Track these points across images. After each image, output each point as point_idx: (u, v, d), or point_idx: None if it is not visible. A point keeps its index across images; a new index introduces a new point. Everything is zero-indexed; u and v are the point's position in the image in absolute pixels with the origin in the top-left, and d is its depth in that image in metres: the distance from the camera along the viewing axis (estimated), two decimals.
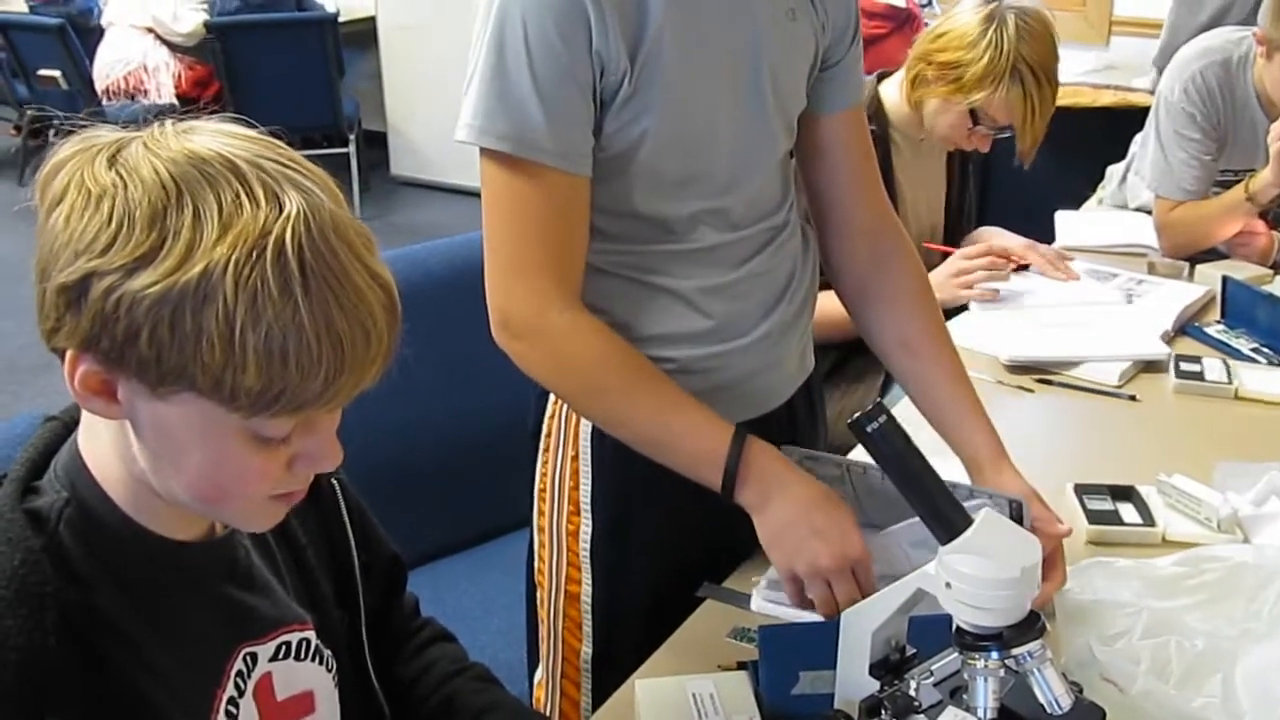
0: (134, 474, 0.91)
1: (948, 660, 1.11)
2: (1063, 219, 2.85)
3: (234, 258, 0.78)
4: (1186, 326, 2.29)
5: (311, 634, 1.07)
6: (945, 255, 2.43)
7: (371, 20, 6.41)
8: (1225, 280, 2.34)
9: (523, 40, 1.24)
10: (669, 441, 1.37)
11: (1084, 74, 4.16)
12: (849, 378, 2.35)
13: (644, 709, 1.23)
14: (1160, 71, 3.78)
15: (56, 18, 5.70)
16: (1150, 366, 2.12)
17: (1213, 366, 2.08)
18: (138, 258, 0.78)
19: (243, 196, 0.80)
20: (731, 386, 1.47)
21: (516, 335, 1.36)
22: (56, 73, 5.79)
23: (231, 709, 0.97)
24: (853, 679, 1.14)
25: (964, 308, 2.38)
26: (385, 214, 6.15)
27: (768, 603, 1.44)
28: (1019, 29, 2.13)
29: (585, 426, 1.48)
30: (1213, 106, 2.55)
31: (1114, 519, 1.62)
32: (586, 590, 1.53)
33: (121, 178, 0.80)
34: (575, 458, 1.49)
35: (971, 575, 1.01)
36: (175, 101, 6.09)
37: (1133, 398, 2.02)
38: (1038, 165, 2.29)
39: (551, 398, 1.51)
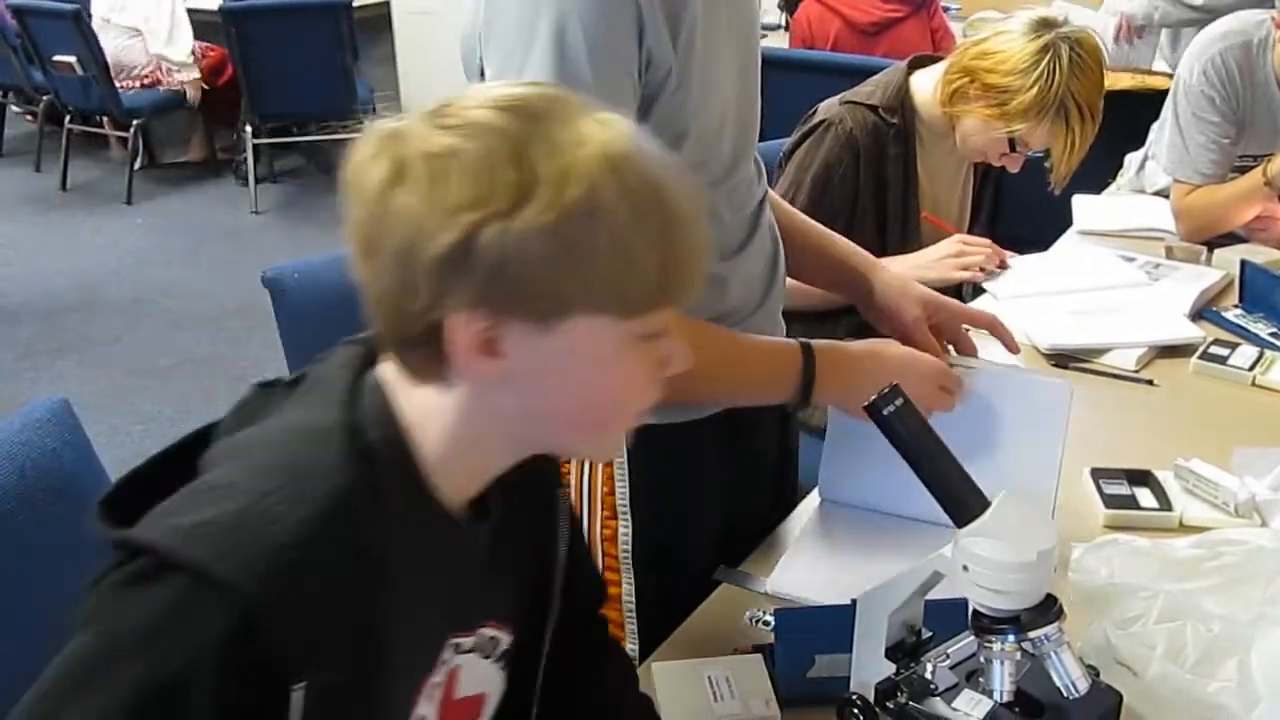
0: (467, 431, 0.91)
1: (964, 643, 1.11)
2: (1080, 203, 2.83)
3: (602, 169, 0.83)
4: (1204, 311, 2.28)
5: (508, 636, 1.06)
6: (947, 234, 2.43)
7: (385, 5, 6.41)
8: (1243, 264, 2.33)
9: (583, 42, 1.23)
10: (746, 361, 1.45)
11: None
12: None
13: (660, 693, 1.24)
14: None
15: (72, 3, 5.71)
16: (1168, 351, 2.11)
17: (1244, 354, 2.07)
18: (516, 197, 0.82)
19: (576, 121, 0.85)
20: None
21: None
22: (72, 58, 5.80)
23: (431, 693, 0.97)
24: (869, 662, 1.14)
25: (961, 297, 2.37)
26: None
27: (784, 586, 1.44)
28: (1072, 62, 2.07)
29: None
30: (1232, 89, 2.53)
31: (1131, 504, 1.62)
32: (628, 590, 1.54)
33: (461, 132, 0.83)
34: (609, 463, 1.50)
35: (988, 558, 1.01)
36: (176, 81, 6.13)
37: (1150, 382, 2.01)
38: None
39: None
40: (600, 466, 1.51)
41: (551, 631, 1.12)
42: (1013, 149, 2.18)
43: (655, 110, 1.31)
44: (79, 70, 5.82)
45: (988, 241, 2.39)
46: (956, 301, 1.63)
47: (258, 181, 6.02)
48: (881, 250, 2.29)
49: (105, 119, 6.49)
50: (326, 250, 1.85)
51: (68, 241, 5.57)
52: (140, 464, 0.92)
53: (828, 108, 2.24)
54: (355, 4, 5.89)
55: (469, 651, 1.03)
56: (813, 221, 1.74)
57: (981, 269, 2.35)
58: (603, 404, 0.93)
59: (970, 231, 2.51)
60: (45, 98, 6.44)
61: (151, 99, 6.09)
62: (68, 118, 6.23)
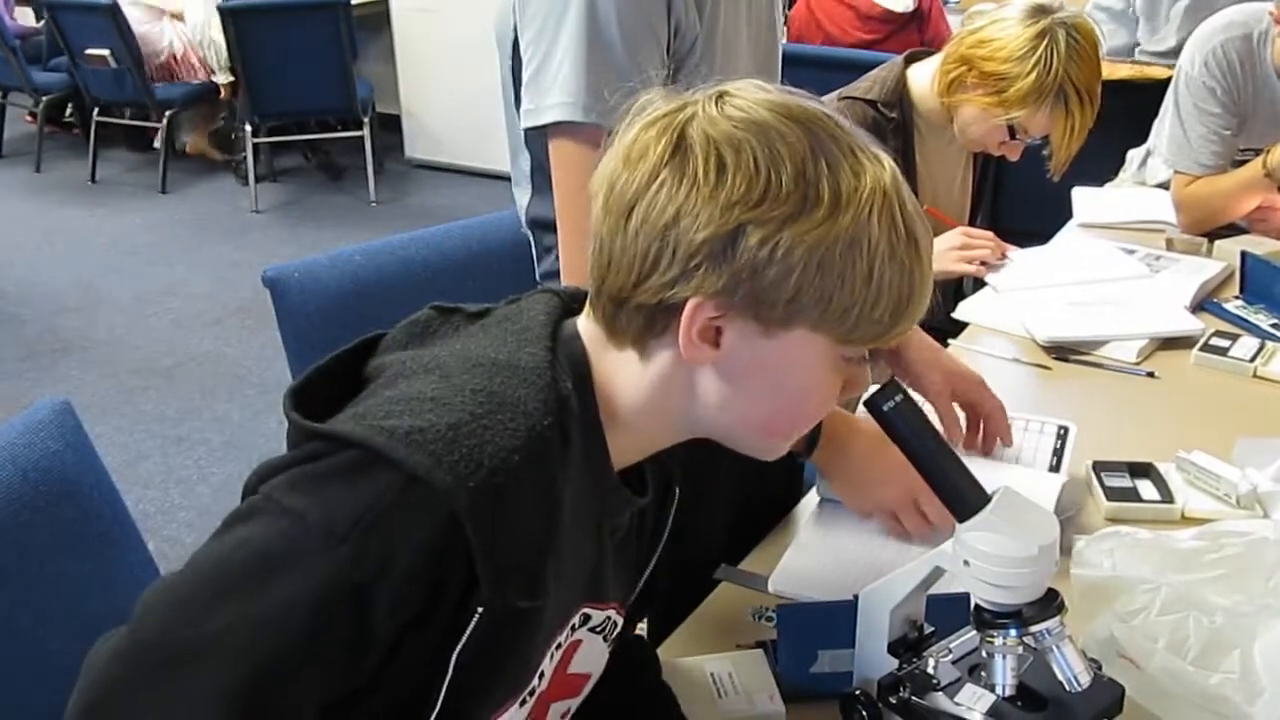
0: (658, 406, 0.94)
1: (966, 638, 1.12)
2: (1080, 195, 2.83)
3: (874, 204, 0.87)
4: (1205, 302, 2.28)
5: (620, 618, 1.08)
6: (948, 227, 2.43)
7: (384, 3, 6.40)
8: (1244, 255, 2.32)
9: (614, 11, 1.24)
10: None
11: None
12: None
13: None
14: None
15: None
16: (1168, 343, 2.11)
17: (1244, 345, 2.06)
18: (792, 207, 0.85)
19: (856, 152, 0.89)
20: None
21: None
22: (105, 51, 5.81)
23: (554, 653, 0.99)
24: (871, 657, 1.15)
25: (961, 289, 2.38)
26: (400, 197, 6.15)
27: (786, 585, 1.44)
28: (1069, 47, 2.08)
29: None
30: (1233, 81, 2.53)
31: (1132, 496, 1.62)
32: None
33: (749, 130, 0.87)
34: None
35: (990, 553, 1.02)
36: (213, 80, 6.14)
37: (1151, 374, 2.01)
38: None
39: None
40: None
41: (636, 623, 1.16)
42: (1012, 136, 2.18)
43: (678, 80, 1.31)
44: (113, 63, 5.84)
45: (990, 234, 2.39)
46: (980, 379, 1.63)
47: (257, 180, 6.02)
48: None
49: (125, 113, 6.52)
50: (327, 249, 1.85)
51: (69, 241, 5.58)
52: (325, 360, 0.94)
53: (824, 104, 2.23)
54: (354, 2, 5.88)
55: (594, 630, 1.04)
56: None
57: (984, 262, 2.35)
58: (794, 412, 0.97)
59: (971, 224, 2.51)
60: (45, 98, 6.45)
61: (184, 91, 6.12)
62: (95, 111, 6.24)
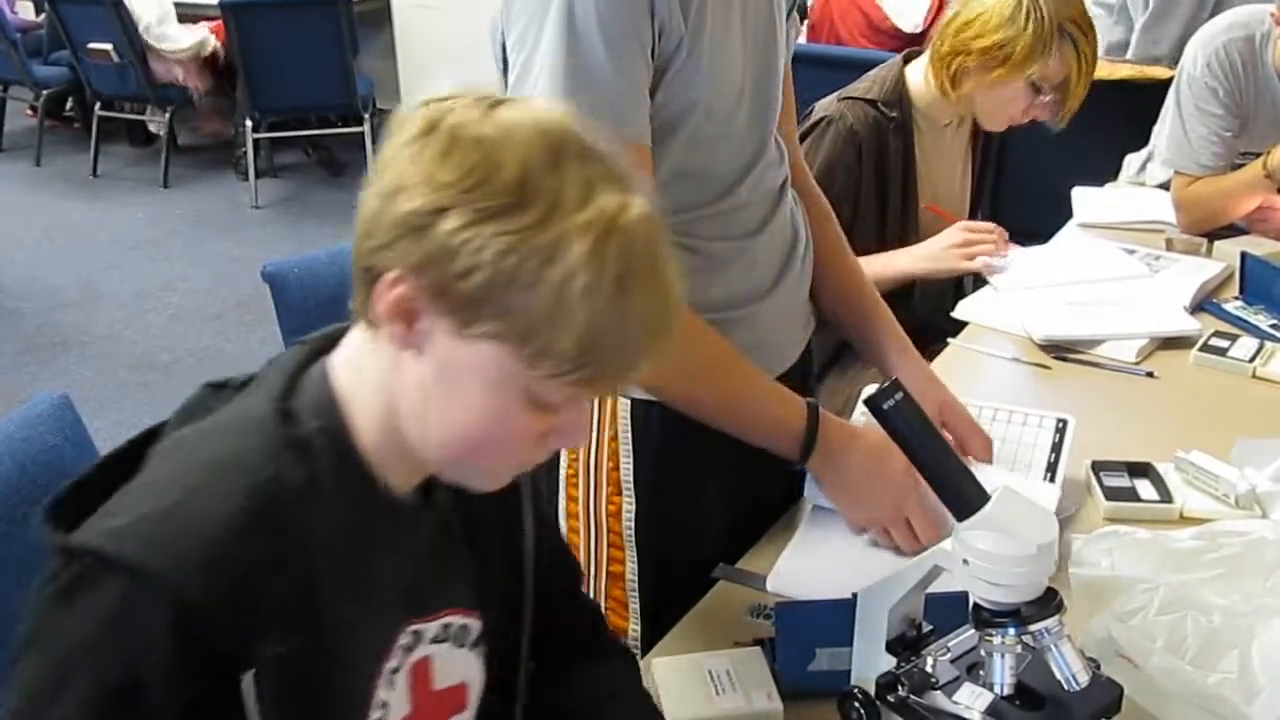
0: (391, 411, 0.92)
1: (965, 637, 1.12)
2: (1080, 195, 2.83)
3: (588, 234, 0.83)
4: (1205, 303, 2.28)
5: (477, 622, 1.07)
6: (948, 223, 2.43)
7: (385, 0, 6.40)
8: (1244, 256, 2.32)
9: (594, 13, 1.24)
10: (745, 412, 1.45)
11: (1101, 50, 4.13)
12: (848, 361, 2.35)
13: (661, 687, 1.24)
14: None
15: None
16: (1168, 343, 2.11)
17: (1244, 345, 2.06)
18: (499, 206, 0.83)
19: (602, 179, 0.86)
20: (746, 349, 1.48)
21: None
22: (108, 45, 5.81)
23: (392, 678, 0.98)
24: (869, 656, 1.15)
25: (980, 284, 2.37)
26: None
27: (783, 585, 1.44)
28: None
29: (623, 406, 1.49)
30: (1235, 82, 2.53)
31: (1131, 496, 1.62)
32: (631, 569, 1.54)
33: (500, 129, 0.85)
34: (614, 438, 1.50)
35: (989, 552, 1.02)
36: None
37: (1150, 374, 2.01)
38: (1053, 143, 2.28)
39: None
40: (607, 441, 1.51)
41: (530, 617, 1.13)
42: (1037, 94, 2.18)
43: (665, 80, 1.32)
44: (115, 57, 5.84)
45: (992, 226, 2.38)
46: (965, 410, 1.64)
47: (257, 176, 6.02)
48: (882, 242, 2.29)
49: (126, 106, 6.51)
50: (327, 245, 1.85)
51: (69, 236, 5.57)
52: (87, 468, 0.93)
53: (825, 105, 2.23)
54: None
55: (440, 641, 1.03)
56: (866, 288, 1.75)
57: (987, 259, 2.35)
58: (478, 436, 0.91)
59: (972, 218, 2.51)
60: (45, 92, 6.45)
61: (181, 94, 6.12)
62: (97, 105, 6.24)
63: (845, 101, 2.23)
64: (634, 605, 1.56)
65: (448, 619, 1.04)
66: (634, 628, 1.56)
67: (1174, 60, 3.77)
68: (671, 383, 1.41)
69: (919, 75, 2.29)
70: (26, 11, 7.15)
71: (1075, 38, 2.14)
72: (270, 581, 0.85)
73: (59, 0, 5.88)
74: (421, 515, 1.01)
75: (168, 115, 6.12)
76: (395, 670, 0.99)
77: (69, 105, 7.06)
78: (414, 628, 1.00)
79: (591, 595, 1.58)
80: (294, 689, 0.87)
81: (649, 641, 1.53)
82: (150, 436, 0.94)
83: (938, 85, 2.25)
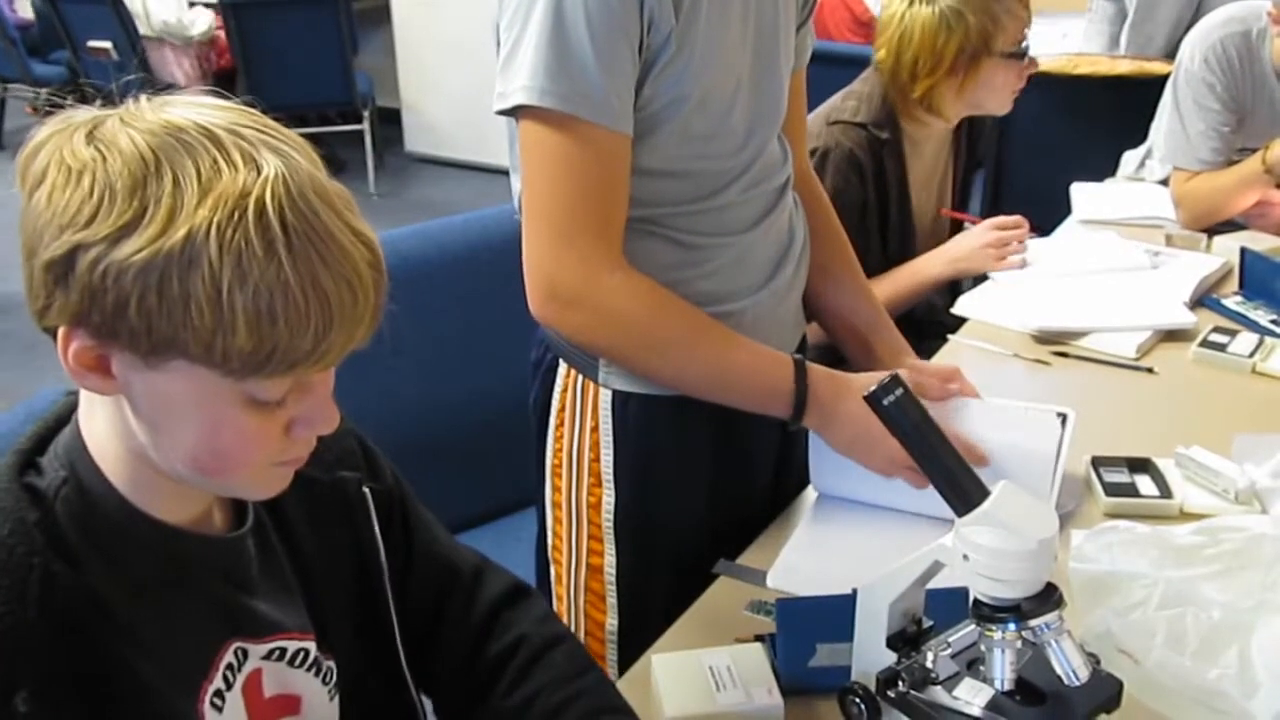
0: (133, 451, 0.91)
1: (965, 632, 1.12)
2: (1079, 191, 2.83)
3: (215, 220, 0.79)
4: (1204, 298, 2.28)
5: (311, 645, 1.05)
6: (960, 223, 2.43)
7: None
8: (1243, 252, 2.33)
9: (581, 2, 1.24)
10: (733, 381, 1.44)
11: (1078, 44, 4.14)
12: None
13: (661, 683, 1.24)
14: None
15: None
16: (1168, 339, 2.11)
17: (1244, 341, 2.06)
18: (121, 227, 0.79)
19: (221, 162, 0.81)
20: None
21: (568, 304, 1.36)
22: (107, 44, 5.80)
23: (218, 701, 0.97)
24: (870, 651, 1.15)
25: (980, 278, 2.38)
26: (400, 191, 6.15)
27: (784, 581, 1.45)
28: None
29: (605, 396, 1.48)
30: (1232, 77, 2.53)
31: (1131, 491, 1.62)
32: (610, 562, 1.54)
33: (100, 152, 0.81)
34: (595, 429, 1.50)
35: (989, 547, 1.02)
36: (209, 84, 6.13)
37: (1150, 370, 2.02)
38: (1053, 139, 2.28)
39: (562, 372, 1.51)
40: (588, 432, 1.51)
41: (399, 640, 1.12)
42: (1018, 58, 2.19)
43: (653, 74, 1.32)
44: (115, 55, 5.83)
45: (1019, 219, 2.38)
46: (928, 365, 1.66)
47: None
48: (884, 256, 2.29)
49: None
50: None
51: None
52: None
53: (816, 134, 2.21)
54: None
55: (273, 660, 1.02)
56: (871, 297, 1.74)
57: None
58: (214, 451, 0.88)
59: (961, 209, 2.52)
60: (45, 90, 6.44)
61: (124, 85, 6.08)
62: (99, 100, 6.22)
63: (836, 126, 2.22)
64: (611, 599, 1.56)
65: (279, 643, 1.02)
66: (611, 621, 1.56)
67: (1169, 56, 3.78)
68: (646, 357, 1.42)
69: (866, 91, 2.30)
70: (26, 9, 7.14)
71: None
72: (18, 637, 0.83)
73: None
74: (225, 547, 0.99)
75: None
76: (223, 691, 0.97)
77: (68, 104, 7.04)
78: (240, 646, 0.99)
79: (569, 589, 1.58)
80: None
81: (626, 635, 1.54)
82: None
83: (931, 119, 2.28)
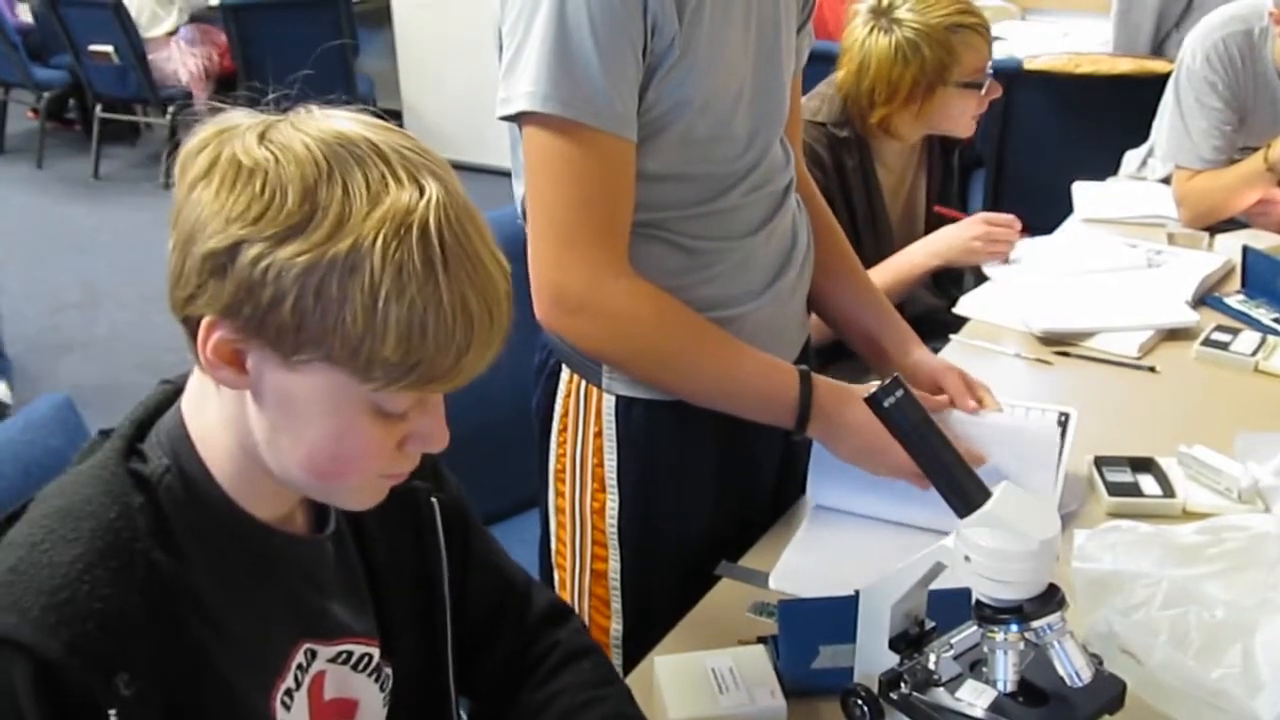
0: (242, 446, 0.92)
1: (967, 633, 1.12)
2: (1080, 190, 2.83)
3: (382, 233, 0.82)
4: (1206, 297, 2.28)
5: (375, 650, 1.07)
6: (951, 220, 2.43)
7: None
8: (1245, 250, 2.32)
9: (585, 6, 1.24)
10: (737, 391, 1.43)
11: (1103, 44, 4.14)
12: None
13: (664, 685, 1.24)
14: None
15: None
16: (1170, 338, 2.11)
17: (1246, 339, 2.06)
18: (289, 227, 0.82)
19: (388, 177, 0.85)
20: None
21: (573, 310, 1.36)
22: (109, 47, 5.81)
23: (287, 700, 0.98)
24: (872, 653, 1.15)
25: (981, 279, 2.38)
26: None
27: (787, 583, 1.44)
28: (912, 15, 2.16)
29: (608, 402, 1.48)
30: (1234, 75, 2.53)
31: (1134, 491, 1.62)
32: (614, 567, 1.54)
33: (273, 153, 0.84)
34: (599, 434, 1.50)
35: (991, 548, 1.02)
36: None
37: (1152, 369, 2.01)
38: (1054, 138, 2.28)
39: (565, 377, 1.51)
40: (591, 438, 1.51)
41: (452, 648, 1.13)
42: (975, 88, 2.21)
43: (657, 78, 1.32)
44: (116, 59, 5.84)
45: (1011, 218, 2.39)
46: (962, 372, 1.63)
47: None
48: (859, 251, 2.29)
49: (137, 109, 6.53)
50: None
51: (71, 238, 5.57)
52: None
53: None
54: None
55: (338, 663, 1.03)
56: (875, 292, 1.75)
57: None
58: (333, 456, 0.91)
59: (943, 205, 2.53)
60: (46, 94, 6.45)
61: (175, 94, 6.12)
62: (98, 107, 6.24)
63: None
64: (615, 604, 1.55)
65: (346, 647, 1.04)
66: (616, 626, 1.56)
67: (1157, 48, 3.78)
68: (651, 365, 1.42)
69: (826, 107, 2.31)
70: (28, 14, 7.14)
71: (963, 24, 2.18)
72: (118, 625, 0.85)
73: (61, 2, 5.89)
74: (309, 548, 1.01)
75: (169, 116, 6.12)
76: (293, 691, 0.99)
77: (69, 106, 7.06)
78: (310, 646, 1.01)
79: (573, 594, 1.58)
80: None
81: (630, 640, 1.54)
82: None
83: (889, 138, 2.29)
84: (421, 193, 0.85)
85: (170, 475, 0.92)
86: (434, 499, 1.12)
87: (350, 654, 1.05)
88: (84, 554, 0.85)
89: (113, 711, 0.83)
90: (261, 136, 0.85)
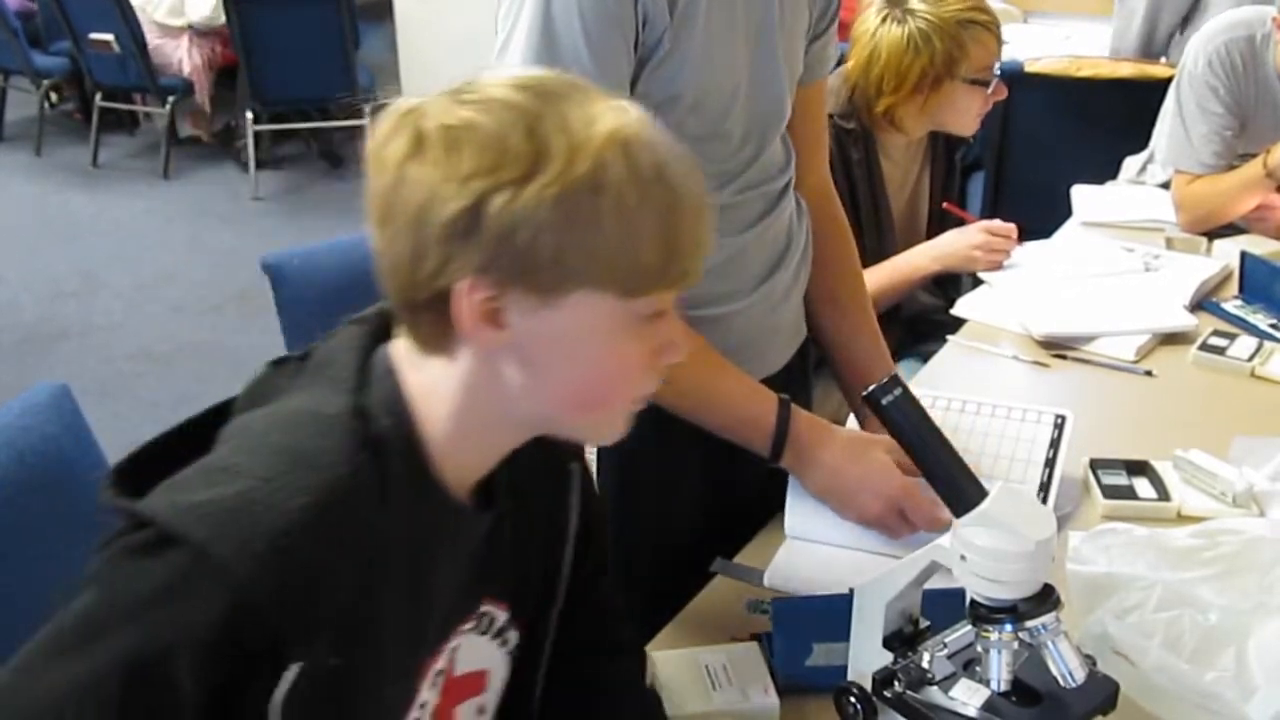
0: (471, 410, 0.92)
1: (962, 633, 1.12)
2: (1080, 194, 2.83)
3: (613, 148, 0.86)
4: (1204, 301, 2.28)
5: (505, 614, 1.07)
6: (960, 220, 2.43)
7: None
8: (1243, 255, 2.32)
9: (574, 2, 1.24)
10: (715, 407, 1.44)
11: (1104, 47, 4.14)
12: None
13: (658, 682, 1.24)
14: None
15: None
16: (1167, 342, 2.11)
17: (1243, 344, 2.06)
18: (527, 167, 0.85)
19: (591, 104, 0.89)
20: (727, 351, 1.47)
21: None
22: (109, 36, 5.79)
23: (436, 681, 0.99)
24: (866, 651, 1.15)
25: (978, 281, 2.38)
26: None
27: (781, 580, 1.44)
28: (925, 6, 2.17)
29: None
30: (1235, 80, 2.52)
31: (1129, 494, 1.62)
32: None
33: (478, 108, 0.87)
34: None
35: (986, 548, 1.02)
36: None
37: (1149, 373, 2.01)
38: (1054, 141, 2.28)
39: None
40: None
41: (558, 610, 1.12)
42: (983, 85, 2.22)
43: (647, 71, 1.31)
44: (116, 48, 5.83)
45: (1011, 227, 2.40)
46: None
47: (258, 167, 6.01)
48: (861, 247, 2.29)
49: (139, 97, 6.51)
50: (327, 236, 1.85)
51: (69, 226, 5.57)
52: (158, 434, 0.94)
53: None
54: None
55: (472, 631, 1.03)
56: (868, 339, 1.73)
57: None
58: (601, 382, 0.94)
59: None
60: (45, 82, 6.44)
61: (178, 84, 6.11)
62: (98, 96, 6.22)
63: None
64: None
65: (483, 609, 1.04)
66: None
67: (1145, 52, 3.78)
68: None
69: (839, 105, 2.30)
70: None
71: (976, 20, 2.19)
72: (328, 583, 0.85)
73: None
74: (479, 519, 1.00)
75: (168, 107, 6.11)
76: (442, 672, 0.99)
77: (62, 95, 7.04)
78: (461, 629, 1.01)
79: None
80: (330, 686, 0.86)
81: (645, 637, 1.54)
82: (219, 412, 0.95)
83: (893, 131, 2.29)
84: (624, 112, 0.89)
85: (393, 440, 0.91)
86: (572, 466, 1.13)
87: (485, 615, 1.04)
88: (313, 506, 0.84)
89: (296, 666, 0.83)
90: (456, 98, 0.88)
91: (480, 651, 1.05)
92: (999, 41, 2.24)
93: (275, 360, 0.97)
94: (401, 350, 0.95)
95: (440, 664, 0.99)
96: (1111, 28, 3.90)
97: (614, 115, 0.88)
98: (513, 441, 0.98)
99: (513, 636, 1.09)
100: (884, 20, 2.21)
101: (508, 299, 0.87)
